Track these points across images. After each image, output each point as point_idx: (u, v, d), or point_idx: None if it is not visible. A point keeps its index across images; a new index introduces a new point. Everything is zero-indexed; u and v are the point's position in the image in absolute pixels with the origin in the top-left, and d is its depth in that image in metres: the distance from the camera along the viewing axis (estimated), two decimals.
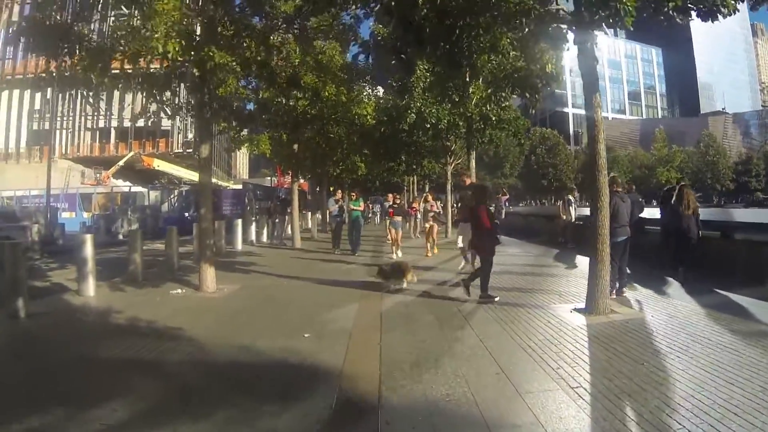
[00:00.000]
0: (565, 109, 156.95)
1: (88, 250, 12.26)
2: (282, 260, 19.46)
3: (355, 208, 21.19)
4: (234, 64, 11.65)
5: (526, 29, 9.43)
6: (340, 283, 13.55)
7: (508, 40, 10.08)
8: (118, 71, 12.62)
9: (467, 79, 20.25)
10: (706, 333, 8.00)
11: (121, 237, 32.84)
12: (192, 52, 11.20)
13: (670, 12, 8.26)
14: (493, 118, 21.58)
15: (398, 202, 21.47)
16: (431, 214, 20.09)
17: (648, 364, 6.63)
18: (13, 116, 64.98)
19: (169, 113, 13.83)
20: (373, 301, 11.35)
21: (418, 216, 25.15)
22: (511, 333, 8.31)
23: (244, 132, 24.39)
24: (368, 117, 23.98)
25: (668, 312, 9.47)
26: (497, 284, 12.07)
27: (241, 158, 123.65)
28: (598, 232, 9.27)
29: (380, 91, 29.70)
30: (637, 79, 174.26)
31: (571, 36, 9.27)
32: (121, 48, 11.59)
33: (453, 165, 29.07)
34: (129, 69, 12.44)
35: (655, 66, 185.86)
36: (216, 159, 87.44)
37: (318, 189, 40.74)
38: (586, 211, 14.74)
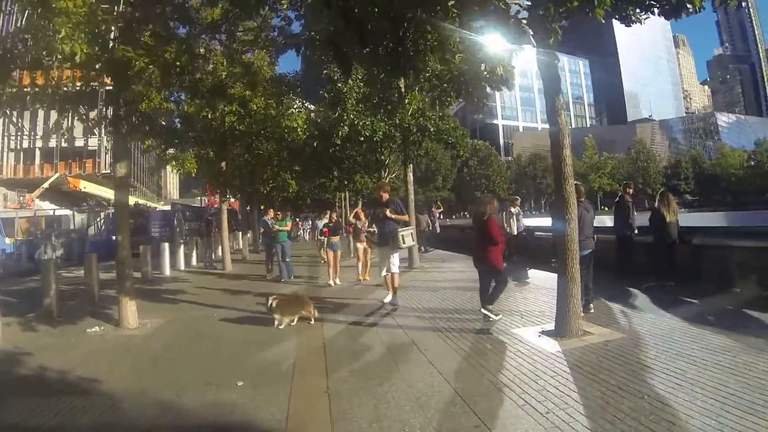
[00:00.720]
0: (495, 121, 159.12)
1: None
2: (211, 287, 18.02)
3: (281, 228, 19.08)
4: (152, 68, 10.30)
5: (481, 25, 8.68)
6: None
7: (458, 39, 9.20)
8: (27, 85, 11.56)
9: (403, 90, 19.41)
10: (695, 352, 7.33)
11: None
12: (105, 55, 10.01)
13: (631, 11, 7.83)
14: (432, 129, 20.61)
15: (336, 219, 19.53)
16: (364, 233, 18.68)
17: (649, 398, 5.77)
18: None
19: (88, 130, 12.70)
20: (313, 334, 10.15)
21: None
22: (480, 368, 7.33)
23: (171, 150, 23.11)
24: (299, 130, 23.06)
25: (645, 329, 8.84)
26: (446, 305, 11.64)
27: (171, 178, 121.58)
28: (567, 246, 8.54)
29: (311, 107, 28.77)
30: (565, 89, 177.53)
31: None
32: (21, 51, 10.18)
33: (387, 179, 28.26)
34: (38, 81, 11.27)
35: (583, 77, 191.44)
36: (144, 179, 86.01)
37: (249, 208, 39.47)
38: (528, 222, 14.27)
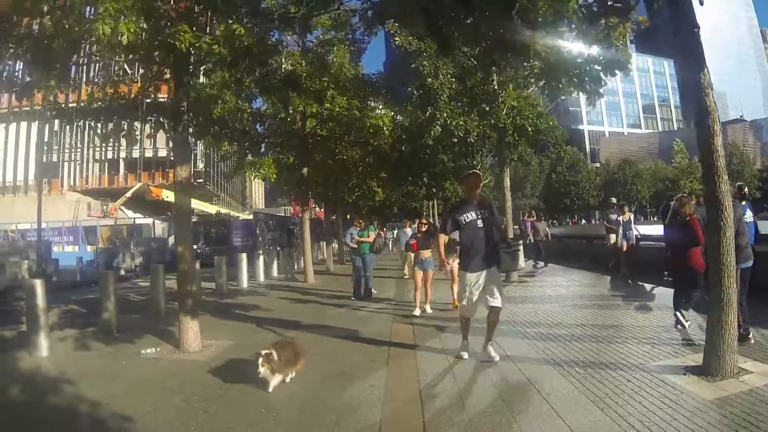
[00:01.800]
0: (580, 126, 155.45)
1: (39, 297, 9.87)
2: (289, 303, 16.55)
3: (362, 239, 16.32)
4: (218, 48, 8.64)
5: None
6: (357, 338, 10.68)
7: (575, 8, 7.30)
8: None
9: (496, 87, 17.69)
10: None
11: (122, 273, 30.73)
12: (158, 37, 8.55)
13: None
14: (529, 129, 18.67)
15: (427, 227, 14.42)
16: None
17: None
18: (21, 148, 63.84)
19: (131, 139, 12.00)
20: (405, 369, 8.17)
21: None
22: (621, 422, 5.39)
23: (249, 157, 21.80)
24: (385, 130, 21.31)
25: None
26: (559, 330, 9.93)
27: (256, 187, 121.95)
28: (722, 259, 6.59)
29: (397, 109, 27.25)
30: (650, 92, 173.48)
31: None
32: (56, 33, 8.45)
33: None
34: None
35: (668, 78, 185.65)
36: (228, 188, 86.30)
37: (334, 217, 38.10)
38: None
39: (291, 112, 19.55)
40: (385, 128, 21.04)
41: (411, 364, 8.37)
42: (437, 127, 19.32)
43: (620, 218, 17.99)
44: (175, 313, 10.94)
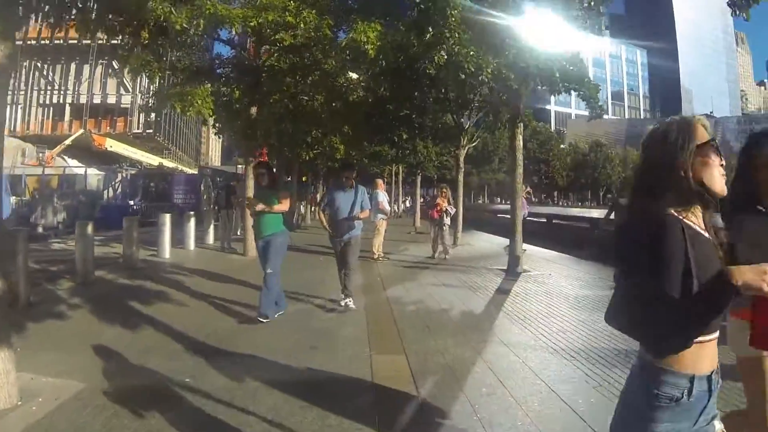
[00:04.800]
0: (547, 106, 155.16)
1: None
2: (211, 289, 11.19)
3: (264, 207, 8.78)
4: None
5: None
6: (317, 380, 5.99)
7: None
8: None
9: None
10: None
11: (41, 230, 26.10)
12: None
13: None
14: (557, 74, 13.72)
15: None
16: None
17: None
18: None
19: None
20: None
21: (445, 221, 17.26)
22: None
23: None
24: (369, 48, 13.85)
25: None
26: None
27: (213, 144, 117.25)
28: None
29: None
30: (620, 79, 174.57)
31: None
32: None
33: (466, 148, 23.50)
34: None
35: (639, 67, 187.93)
36: (182, 143, 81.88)
37: (289, 178, 32.68)
38: None
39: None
40: (369, 47, 13.85)
41: None
42: (442, 53, 13.88)
43: None
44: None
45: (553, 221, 28.18)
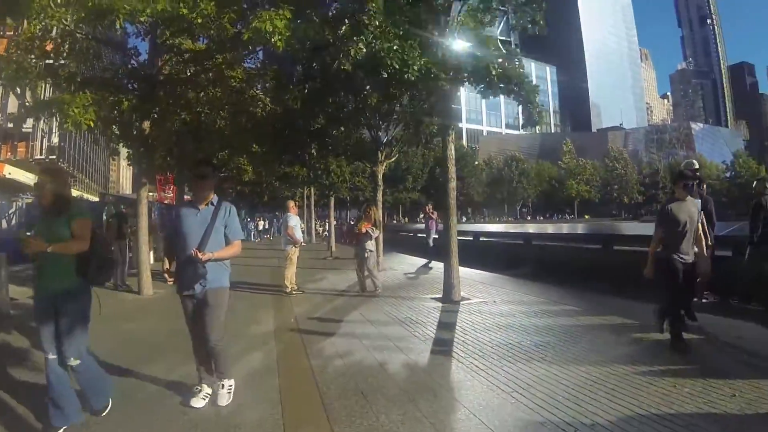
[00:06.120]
0: (459, 124, 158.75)
1: None
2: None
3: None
4: None
5: None
6: None
7: None
8: None
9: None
10: None
11: None
12: None
13: None
14: (494, 72, 11.84)
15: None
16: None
17: None
18: None
19: None
20: None
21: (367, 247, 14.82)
22: None
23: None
24: (277, 38, 11.49)
25: None
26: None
27: (124, 171, 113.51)
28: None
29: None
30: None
31: None
32: None
33: (384, 164, 21.52)
34: None
35: (549, 83, 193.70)
36: (91, 171, 78.90)
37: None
38: None
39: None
40: (276, 38, 11.57)
41: None
42: (360, 47, 11.55)
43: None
44: None
45: (480, 239, 26.36)
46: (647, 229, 13.75)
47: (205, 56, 14.78)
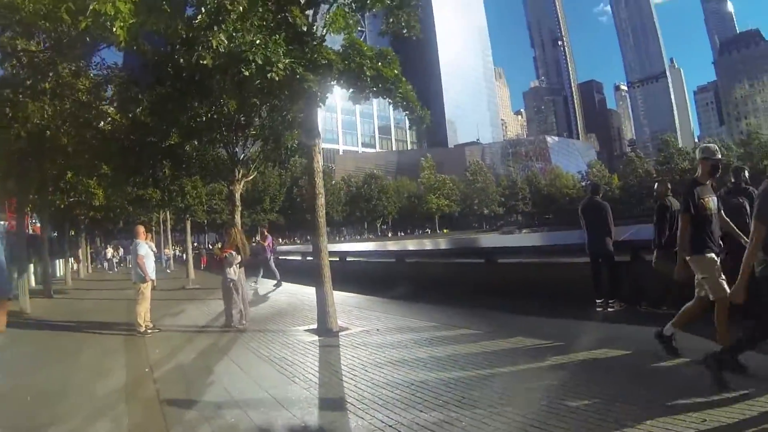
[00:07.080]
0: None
1: None
2: None
3: None
4: None
5: None
6: None
7: None
8: None
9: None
10: None
11: None
12: None
13: None
14: (368, 73, 10.97)
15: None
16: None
17: None
18: None
19: None
20: None
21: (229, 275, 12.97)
22: None
23: None
24: (118, 25, 8.82)
25: None
26: None
27: None
28: None
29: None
30: (387, 114, 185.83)
31: None
32: None
33: (242, 183, 20.67)
34: None
35: None
36: None
37: (56, 234, 27.58)
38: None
39: None
40: (117, 25, 8.79)
41: None
42: (222, 38, 9.87)
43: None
44: None
45: (348, 259, 25.01)
46: (515, 240, 13.33)
47: (45, 62, 13.02)
